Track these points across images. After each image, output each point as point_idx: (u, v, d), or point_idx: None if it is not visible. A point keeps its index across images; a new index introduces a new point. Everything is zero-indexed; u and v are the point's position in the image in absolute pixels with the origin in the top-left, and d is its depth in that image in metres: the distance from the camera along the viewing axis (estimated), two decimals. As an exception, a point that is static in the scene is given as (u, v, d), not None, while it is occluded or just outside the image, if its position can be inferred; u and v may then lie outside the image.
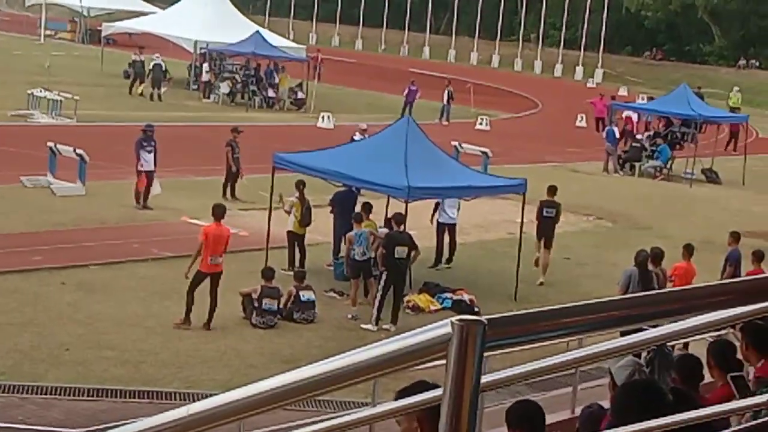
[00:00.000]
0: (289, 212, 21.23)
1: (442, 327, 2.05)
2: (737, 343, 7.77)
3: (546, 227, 22.35)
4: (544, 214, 22.42)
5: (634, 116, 44.22)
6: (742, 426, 3.08)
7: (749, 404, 3.19)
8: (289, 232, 21.19)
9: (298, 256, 21.22)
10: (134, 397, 14.59)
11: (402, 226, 18.90)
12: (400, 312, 18.69)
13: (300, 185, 21.14)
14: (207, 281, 17.65)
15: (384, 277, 18.48)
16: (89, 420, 13.47)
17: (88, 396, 14.52)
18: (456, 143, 32.02)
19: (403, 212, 19.28)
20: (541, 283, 21.81)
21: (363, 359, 2.14)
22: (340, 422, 3.06)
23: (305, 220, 21.12)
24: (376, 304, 18.44)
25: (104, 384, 14.92)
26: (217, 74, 47.75)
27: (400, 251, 18.54)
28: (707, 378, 7.73)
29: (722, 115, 44.69)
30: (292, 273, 19.94)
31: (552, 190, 22.77)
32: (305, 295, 18.46)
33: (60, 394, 14.46)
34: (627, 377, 7.08)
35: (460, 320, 2.03)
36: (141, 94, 45.64)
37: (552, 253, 22.42)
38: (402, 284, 18.76)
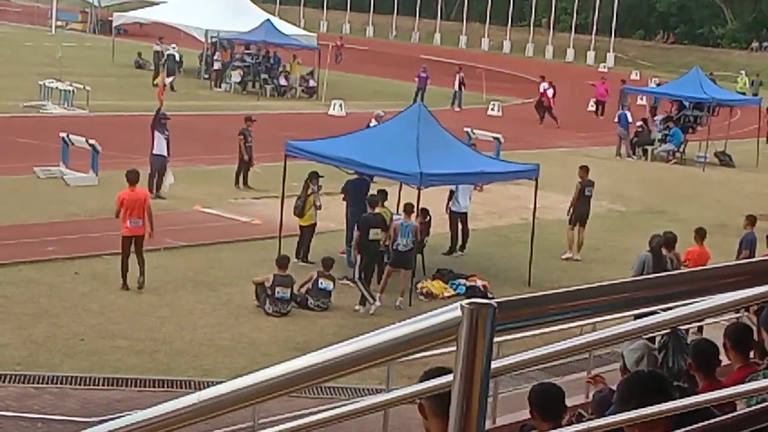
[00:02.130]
0: None
1: (452, 311, 2.04)
2: (753, 326, 7.76)
3: (585, 206, 23.04)
4: (586, 193, 23.14)
5: (550, 91, 45.42)
6: (742, 411, 3.06)
7: (757, 388, 3.17)
8: None
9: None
10: (149, 386, 14.63)
11: (375, 209, 19.22)
12: (386, 293, 18.88)
13: (308, 176, 21.10)
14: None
15: (358, 260, 18.83)
16: (105, 409, 13.51)
17: (103, 385, 14.57)
18: (468, 129, 31.99)
19: (417, 199, 19.33)
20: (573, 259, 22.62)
21: (372, 344, 2.13)
22: (353, 408, 3.05)
23: (295, 210, 21.04)
24: (361, 287, 18.72)
25: (119, 373, 14.96)
26: (226, 64, 47.74)
27: (374, 233, 18.82)
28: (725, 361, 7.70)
29: (735, 98, 44.52)
30: (296, 261, 20.20)
31: (587, 169, 23.47)
32: (323, 283, 18.47)
33: (75, 384, 14.51)
34: (636, 360, 7.10)
35: (470, 303, 2.01)
36: (155, 85, 45.66)
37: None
38: (378, 264, 18.99)
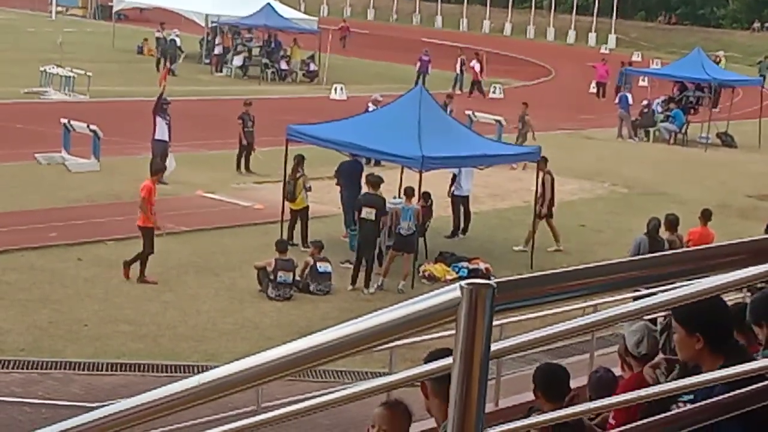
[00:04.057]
0: None
1: (452, 291, 2.04)
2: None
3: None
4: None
5: (477, 66, 46.35)
6: (742, 390, 3.05)
7: (754, 368, 3.16)
8: None
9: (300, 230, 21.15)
10: (153, 371, 14.66)
11: (372, 188, 19.20)
12: (373, 275, 18.98)
13: (295, 159, 21.07)
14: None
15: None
16: (109, 394, 13.51)
17: (107, 371, 14.61)
18: (470, 112, 31.95)
19: (418, 182, 19.33)
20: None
21: (372, 325, 2.13)
22: (356, 391, 3.05)
23: (287, 195, 20.99)
24: (354, 267, 18.89)
25: (123, 359, 15.00)
26: (227, 49, 47.64)
27: (367, 212, 18.86)
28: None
29: (736, 79, 44.39)
30: (298, 245, 20.24)
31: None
32: (322, 266, 18.48)
33: (79, 369, 14.55)
34: (636, 342, 7.10)
35: (469, 284, 2.01)
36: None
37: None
38: (371, 245, 19.03)
